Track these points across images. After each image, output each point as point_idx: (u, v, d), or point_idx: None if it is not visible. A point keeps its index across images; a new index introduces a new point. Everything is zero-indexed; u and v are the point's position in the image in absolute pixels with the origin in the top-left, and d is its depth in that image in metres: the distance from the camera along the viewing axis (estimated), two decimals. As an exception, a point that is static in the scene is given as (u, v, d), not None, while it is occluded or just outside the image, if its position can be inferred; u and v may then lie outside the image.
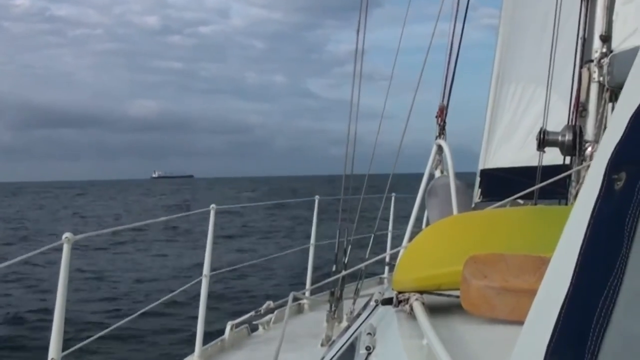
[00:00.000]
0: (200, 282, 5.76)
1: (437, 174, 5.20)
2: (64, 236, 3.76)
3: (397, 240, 6.49)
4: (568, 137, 4.11)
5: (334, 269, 5.99)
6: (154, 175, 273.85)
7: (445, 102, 5.75)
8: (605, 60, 4.01)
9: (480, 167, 8.11)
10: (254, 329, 6.32)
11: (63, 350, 3.73)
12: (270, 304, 6.00)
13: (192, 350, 5.41)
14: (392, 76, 6.40)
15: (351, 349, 2.57)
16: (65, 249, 3.74)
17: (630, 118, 1.05)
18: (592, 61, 4.12)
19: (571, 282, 0.98)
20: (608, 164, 1.03)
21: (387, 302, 2.63)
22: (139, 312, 5.50)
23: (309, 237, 7.86)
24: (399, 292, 2.53)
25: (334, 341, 3.80)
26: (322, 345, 5.27)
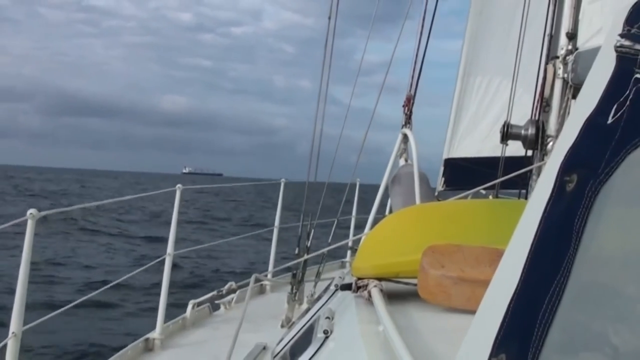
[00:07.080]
0: (163, 260, 5.76)
1: (402, 162, 5.26)
2: (28, 212, 3.72)
3: (361, 225, 6.53)
4: (531, 131, 4.18)
5: (296, 252, 6.02)
6: (184, 171, 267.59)
7: (412, 92, 5.81)
8: (570, 58, 4.07)
9: (445, 156, 8.22)
10: (216, 308, 6.34)
11: (24, 325, 3.72)
12: (232, 284, 6.01)
13: (154, 327, 5.41)
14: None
15: (310, 331, 2.61)
16: (29, 225, 3.71)
17: (584, 122, 1.10)
18: (557, 58, 4.19)
19: (520, 278, 1.03)
20: (561, 165, 1.08)
21: (347, 287, 2.68)
22: (100, 290, 5.48)
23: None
24: (359, 278, 2.58)
25: (293, 323, 3.84)
26: (282, 326, 5.31)
